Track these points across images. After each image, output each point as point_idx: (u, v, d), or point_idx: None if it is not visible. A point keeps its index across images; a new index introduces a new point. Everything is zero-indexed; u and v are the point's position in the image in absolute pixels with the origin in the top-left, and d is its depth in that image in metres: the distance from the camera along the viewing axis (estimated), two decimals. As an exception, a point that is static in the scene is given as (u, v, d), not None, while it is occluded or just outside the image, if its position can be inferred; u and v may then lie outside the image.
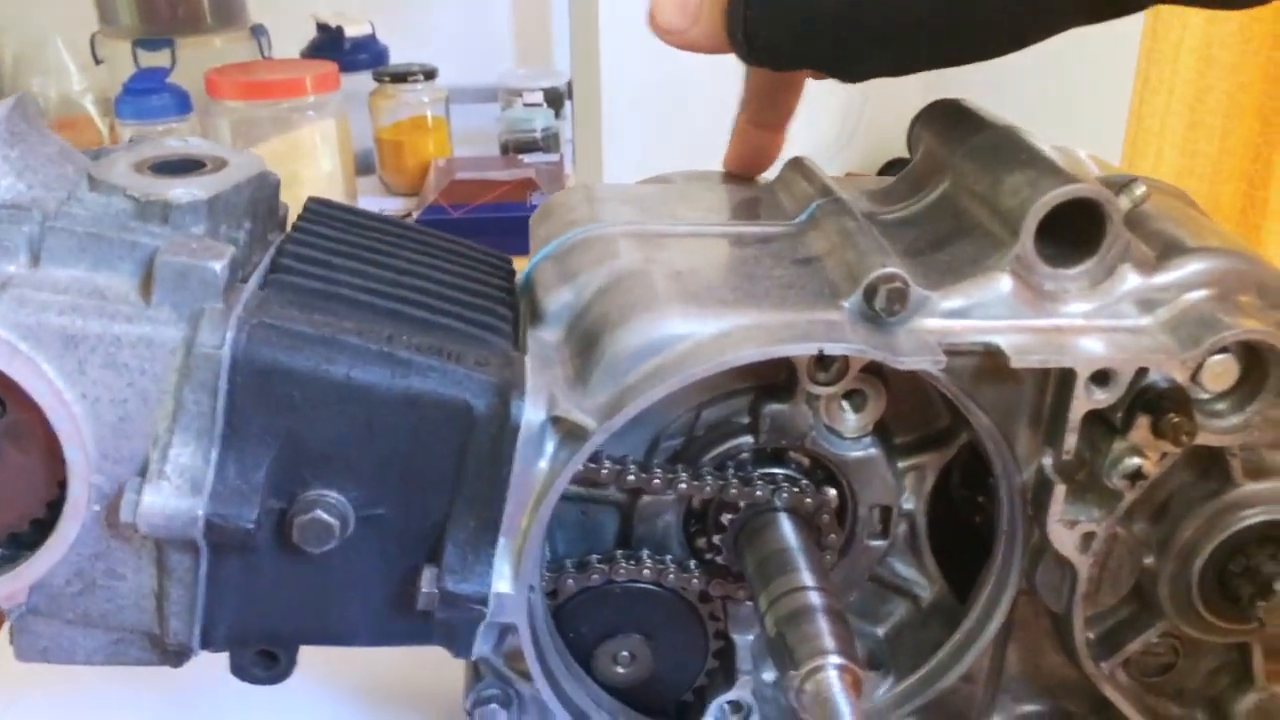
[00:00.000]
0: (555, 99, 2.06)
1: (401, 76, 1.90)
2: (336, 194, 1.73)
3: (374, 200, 1.88)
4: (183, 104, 1.71)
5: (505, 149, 1.95)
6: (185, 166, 0.53)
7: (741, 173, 0.66)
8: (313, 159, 1.72)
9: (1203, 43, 1.15)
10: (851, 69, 0.55)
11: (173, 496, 0.47)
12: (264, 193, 0.55)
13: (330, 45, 1.98)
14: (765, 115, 0.64)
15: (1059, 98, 1.20)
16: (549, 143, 1.95)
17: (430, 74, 1.92)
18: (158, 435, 0.48)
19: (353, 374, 0.49)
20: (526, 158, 1.88)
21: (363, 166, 1.90)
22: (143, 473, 0.48)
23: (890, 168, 2.42)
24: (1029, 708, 0.61)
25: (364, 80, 1.91)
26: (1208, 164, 1.19)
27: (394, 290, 0.53)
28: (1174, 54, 1.15)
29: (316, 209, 0.59)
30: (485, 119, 2.04)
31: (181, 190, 0.50)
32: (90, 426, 0.48)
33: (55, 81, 1.93)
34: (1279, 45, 1.11)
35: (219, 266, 0.48)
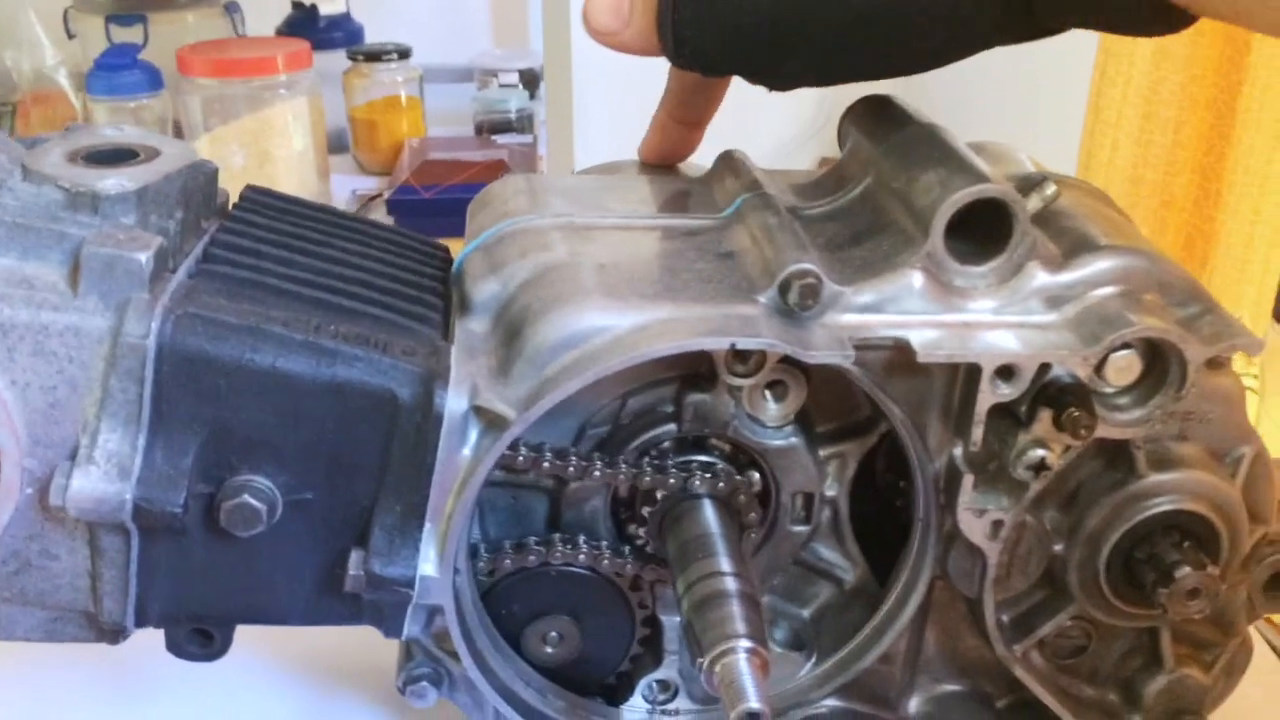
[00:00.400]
0: (531, 80, 2.07)
1: (376, 55, 1.90)
2: (309, 173, 1.73)
3: (347, 179, 1.88)
4: (154, 80, 1.71)
5: (479, 129, 1.95)
6: (118, 156, 0.54)
7: (655, 164, 0.68)
8: (284, 137, 1.72)
9: (1159, 34, 1.16)
10: (776, 78, 0.57)
11: (101, 481, 0.49)
12: (197, 182, 0.56)
13: (305, 23, 1.98)
14: (685, 112, 0.65)
15: (1018, 91, 1.21)
16: (523, 124, 1.96)
17: (405, 53, 1.92)
18: (87, 421, 0.49)
19: (278, 363, 0.50)
20: (500, 138, 1.89)
21: (336, 145, 1.91)
22: (73, 457, 0.49)
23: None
24: (947, 688, 0.63)
25: (338, 59, 1.92)
26: (1162, 155, 1.21)
27: (324, 279, 0.55)
28: (1130, 46, 1.16)
29: (252, 197, 0.60)
30: (460, 99, 2.04)
31: (112, 181, 0.51)
32: (21, 412, 0.49)
33: (28, 55, 1.93)
34: (1231, 39, 1.13)
35: (144, 257, 0.49)
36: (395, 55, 1.91)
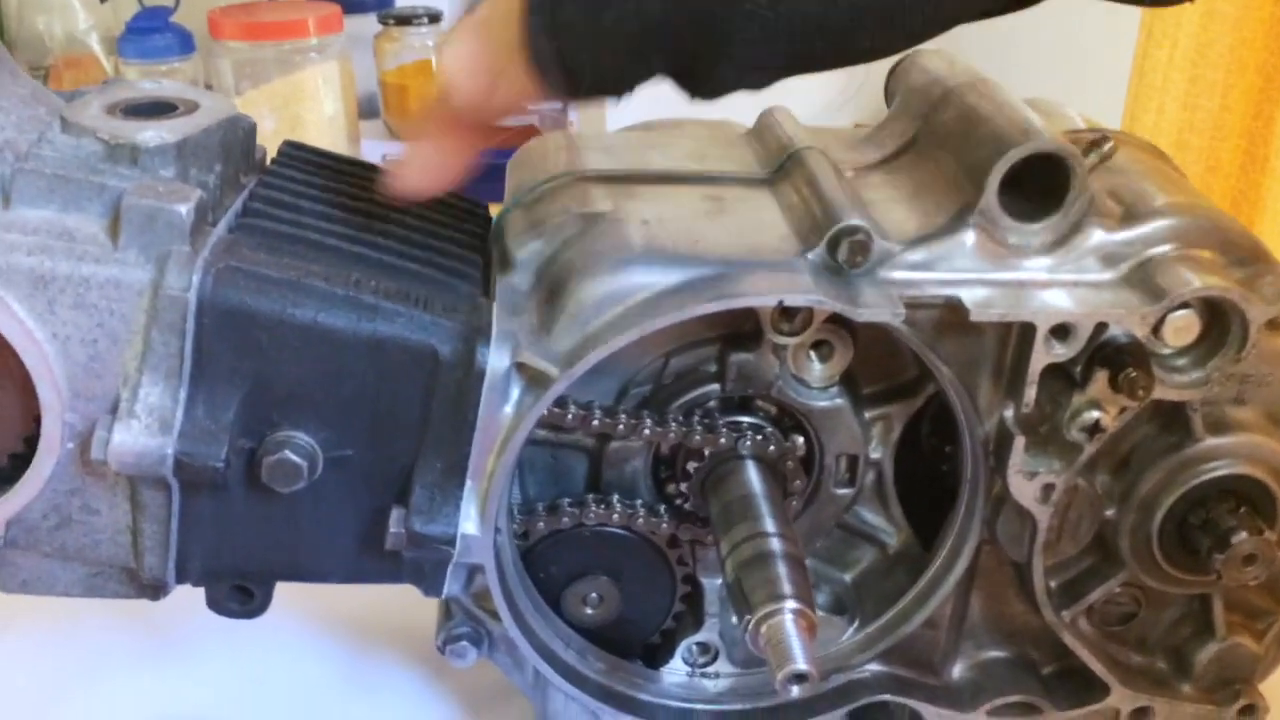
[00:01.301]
0: (561, 44, 2.04)
1: (406, 19, 1.88)
2: (339, 137, 1.72)
3: (377, 144, 1.87)
4: (185, 44, 1.70)
5: (510, 94, 1.94)
6: (157, 109, 0.54)
7: (412, 199, 0.53)
8: (315, 101, 1.71)
9: (1207, -5, 1.14)
10: (707, 82, 0.46)
11: (142, 435, 0.48)
12: (236, 136, 0.56)
13: (335, -14, 1.96)
14: (464, 143, 0.52)
15: (1063, 52, 1.19)
16: (554, 88, 1.94)
17: (435, 17, 1.90)
18: (128, 374, 0.49)
19: (319, 318, 0.49)
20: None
21: (367, 110, 1.90)
22: (114, 411, 0.49)
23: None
24: (991, 654, 0.62)
25: (369, 23, 1.90)
26: (1209, 119, 1.18)
27: (363, 235, 0.54)
28: (1177, 7, 1.12)
29: (290, 153, 0.60)
30: (490, 63, 2.02)
31: (151, 133, 0.51)
32: (62, 365, 0.48)
33: (60, 20, 1.93)
34: (1282, 0, 1.10)
35: (185, 209, 0.48)
36: (426, 19, 1.89)
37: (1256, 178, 1.16)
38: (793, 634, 0.48)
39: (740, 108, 0.73)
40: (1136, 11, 1.18)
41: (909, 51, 0.64)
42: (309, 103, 1.71)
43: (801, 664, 0.47)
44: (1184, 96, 1.19)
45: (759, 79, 0.46)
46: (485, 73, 0.47)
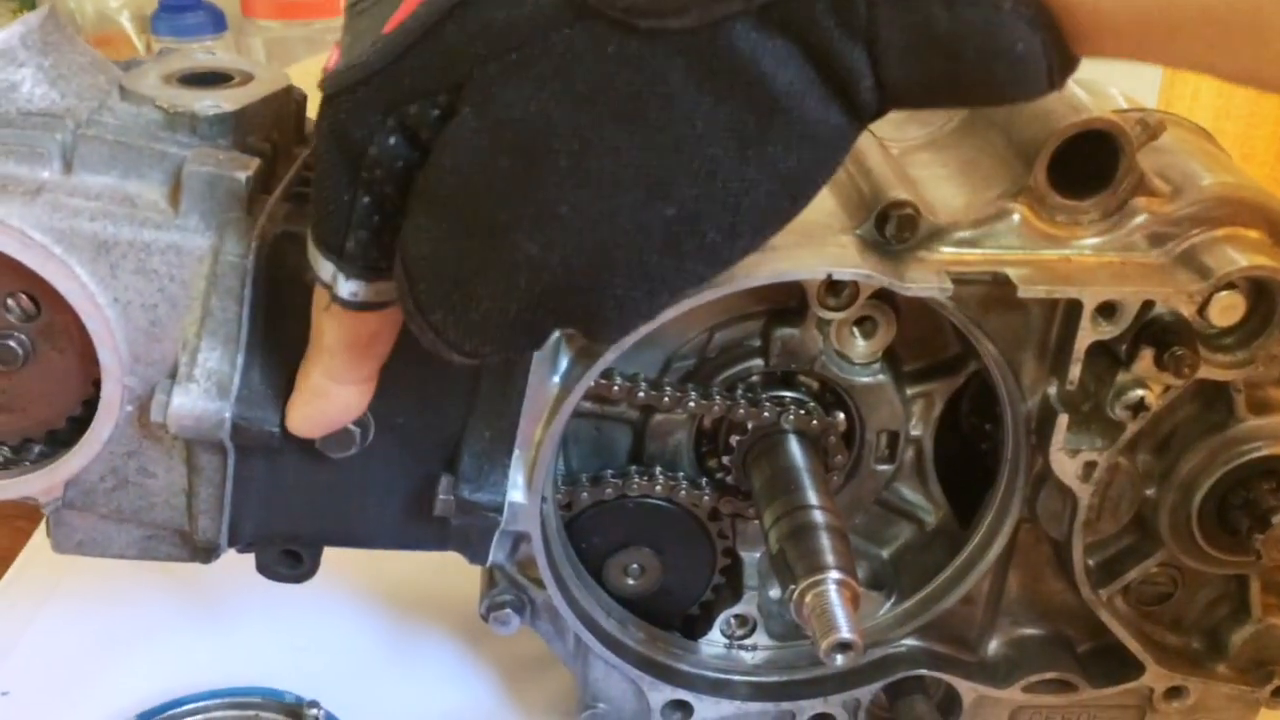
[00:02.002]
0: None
1: (435, -1, 1.89)
2: (369, 117, 1.73)
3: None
4: (218, 22, 1.71)
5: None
6: (213, 79, 0.54)
7: (318, 435, 0.50)
8: (345, 81, 1.72)
9: (1246, -21, 1.12)
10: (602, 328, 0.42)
11: (201, 399, 0.49)
12: (289, 108, 0.56)
13: (365, -34, 1.97)
14: (354, 371, 0.48)
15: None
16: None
17: (464, -3, 1.90)
18: (186, 339, 0.50)
19: None
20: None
21: (395, 90, 1.90)
22: (172, 375, 0.50)
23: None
24: (1027, 631, 0.62)
25: (398, 2, 1.90)
26: (1244, 106, 1.17)
27: None
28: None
29: (343, 125, 0.60)
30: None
31: (209, 102, 0.51)
32: (122, 329, 0.49)
33: (92, -2, 1.94)
34: (1322, -17, 1.08)
35: (244, 177, 0.49)
36: (456, -1, 1.90)
37: (1291, 165, 1.16)
38: (837, 603, 0.49)
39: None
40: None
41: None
42: (339, 81, 1.72)
43: (846, 633, 0.48)
44: (1219, 83, 1.19)
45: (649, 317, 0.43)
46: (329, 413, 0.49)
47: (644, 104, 0.36)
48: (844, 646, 0.48)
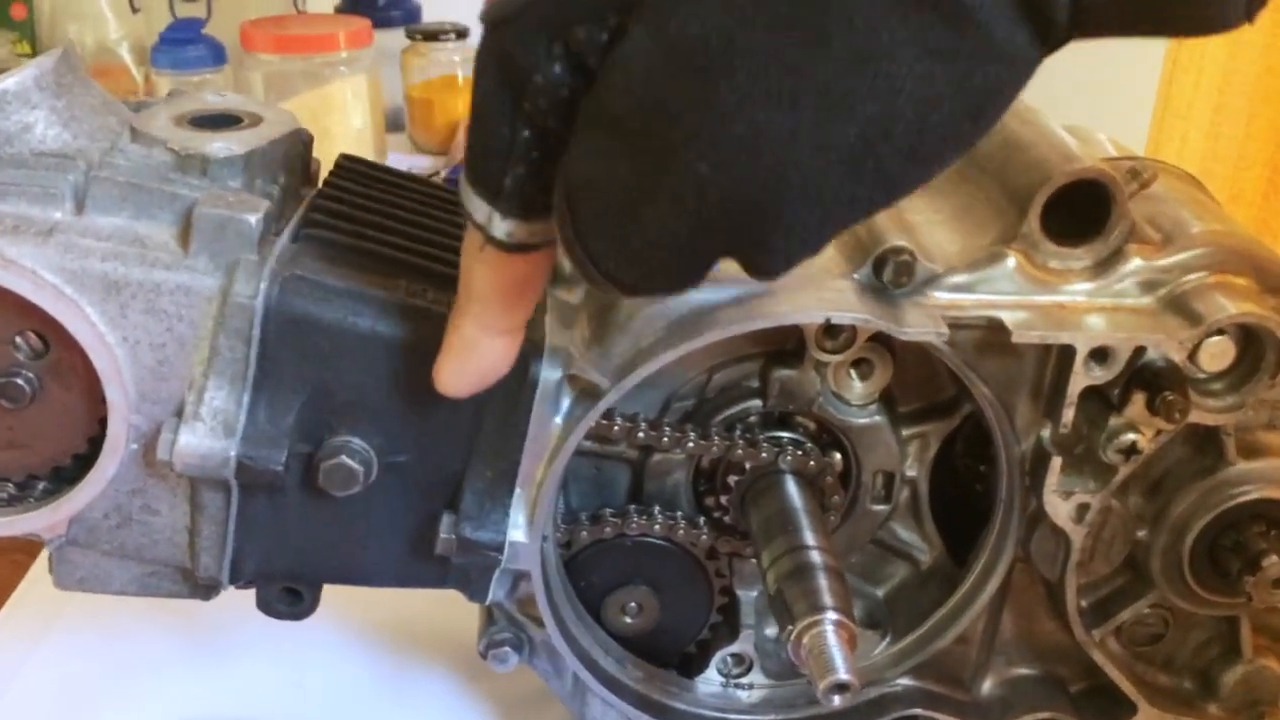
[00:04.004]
0: (585, 62, 2.06)
1: (434, 35, 1.91)
2: (366, 150, 1.74)
3: (403, 158, 1.89)
4: (218, 55, 1.72)
5: (534, 110, 1.95)
6: (223, 121, 0.55)
7: (467, 393, 0.50)
8: (344, 115, 1.73)
9: (1233, 25, 1.15)
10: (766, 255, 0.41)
11: (207, 437, 0.50)
12: (297, 149, 0.57)
13: (364, 1, 1.99)
14: (506, 319, 0.48)
15: (1088, 79, 1.21)
16: (577, 105, 1.96)
17: (462, 33, 1.92)
18: (194, 379, 0.50)
19: (378, 327, 0.51)
20: (554, 120, 1.89)
21: (392, 124, 1.92)
22: (179, 414, 0.50)
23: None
24: (1021, 671, 0.63)
25: (396, 37, 1.92)
26: (1232, 148, 1.19)
27: (419, 246, 0.55)
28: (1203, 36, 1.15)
29: (347, 166, 0.61)
30: (515, 80, 2.04)
31: (220, 145, 0.52)
32: (130, 368, 0.50)
33: (92, 29, 1.95)
34: (1308, 30, 1.12)
35: (254, 219, 0.50)
36: (453, 34, 1.92)
37: (1279, 206, 1.18)
38: (834, 644, 0.49)
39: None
40: (1162, 40, 1.20)
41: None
42: (337, 116, 1.74)
43: (843, 674, 0.48)
44: (1208, 125, 1.21)
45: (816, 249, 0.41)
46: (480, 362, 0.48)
47: (829, 17, 0.35)
48: (841, 687, 0.48)
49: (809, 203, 0.37)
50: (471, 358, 0.48)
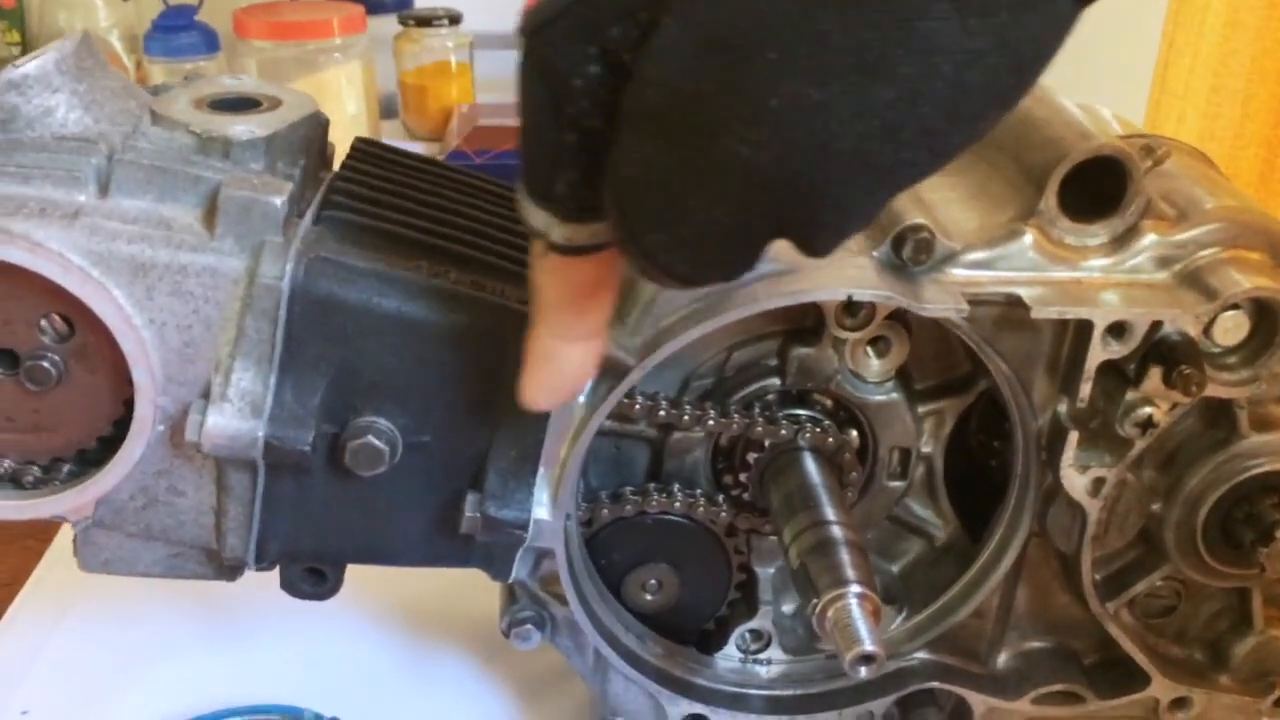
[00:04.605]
0: (579, 47, 2.06)
1: (426, 20, 1.90)
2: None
3: (397, 145, 1.89)
4: (211, 42, 1.72)
5: (528, 96, 1.95)
6: (243, 104, 0.55)
7: (553, 406, 0.51)
8: (338, 101, 1.72)
9: (1229, 6, 1.16)
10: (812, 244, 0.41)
11: (234, 418, 0.50)
12: (316, 132, 0.57)
13: (356, -13, 1.98)
14: (580, 325, 0.47)
15: (1084, 57, 1.21)
16: (572, 91, 1.96)
17: (455, 19, 1.92)
18: (220, 360, 0.51)
19: (403, 307, 0.51)
20: (549, 105, 1.89)
21: (386, 110, 1.91)
22: (205, 395, 0.51)
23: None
24: (1035, 644, 0.63)
25: (389, 23, 1.92)
26: (1229, 128, 1.20)
27: (438, 227, 0.56)
28: (1201, 15, 1.16)
29: (364, 149, 0.61)
30: (509, 65, 2.03)
31: (242, 128, 0.52)
32: (156, 350, 0.50)
33: (81, 16, 1.94)
34: (1305, 10, 1.13)
35: (279, 201, 0.50)
36: (446, 20, 1.91)
37: (1276, 186, 1.19)
38: (859, 616, 0.50)
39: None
40: (1159, 20, 1.21)
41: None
42: (332, 103, 1.73)
43: (869, 645, 0.49)
44: (1205, 105, 1.22)
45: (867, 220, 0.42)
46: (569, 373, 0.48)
47: None
48: (868, 659, 0.49)
49: (854, 172, 0.37)
50: (552, 369, 0.47)
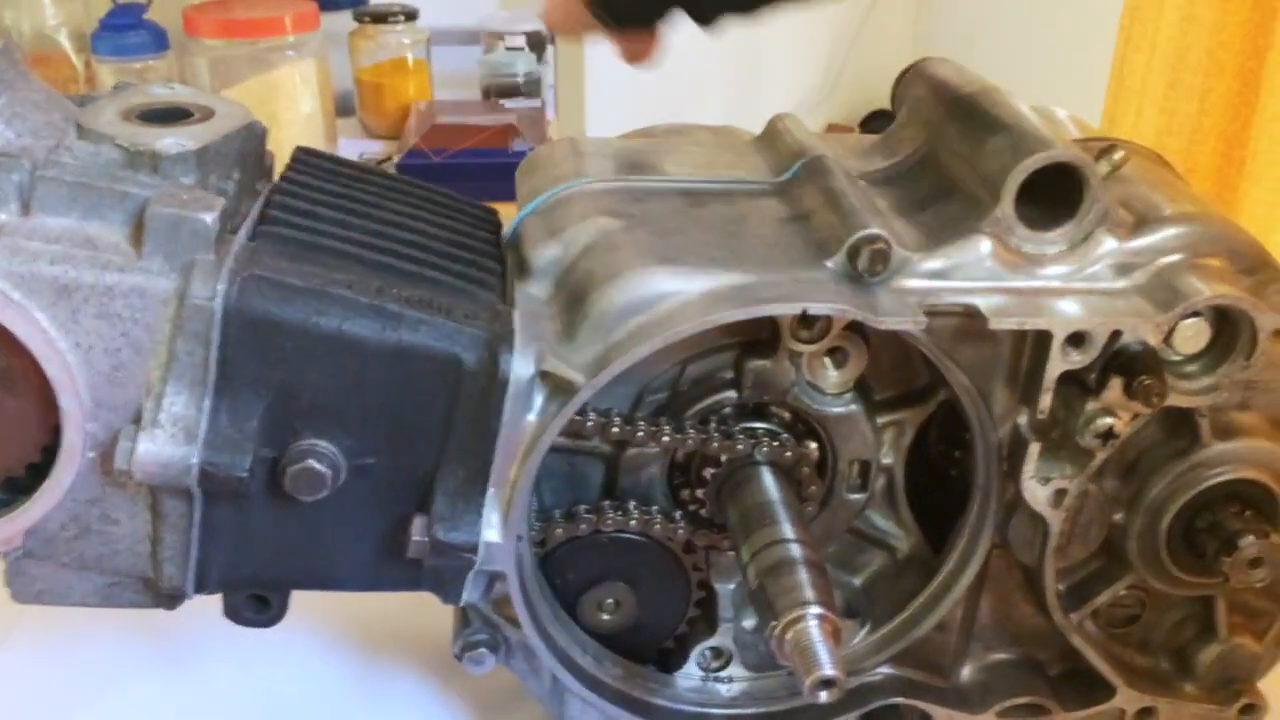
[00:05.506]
0: (538, 43, 2.04)
1: (382, 17, 1.88)
2: (316, 136, 1.71)
3: (354, 143, 1.86)
4: (160, 41, 1.68)
5: (487, 93, 1.93)
6: (173, 115, 0.53)
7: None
8: (292, 100, 1.69)
9: (1186, 0, 1.16)
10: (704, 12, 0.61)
11: (167, 444, 0.48)
12: (251, 143, 0.55)
13: (310, -17, 1.95)
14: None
15: (1042, 53, 1.21)
16: (531, 88, 1.93)
17: (411, 15, 1.89)
18: (151, 384, 0.48)
19: (344, 326, 0.49)
20: (508, 103, 1.87)
21: (342, 108, 1.88)
22: (137, 421, 0.49)
23: (873, 119, 2.41)
24: (999, 656, 0.63)
25: (344, 20, 1.89)
26: (1186, 123, 1.20)
27: (381, 242, 0.54)
28: (1157, 10, 1.15)
29: (304, 159, 0.59)
30: (466, 62, 2.01)
31: (171, 140, 0.50)
32: (84, 375, 0.48)
33: (28, 16, 1.89)
34: (1259, 5, 1.12)
35: (210, 218, 0.48)
36: (402, 17, 1.89)
37: (1233, 180, 1.19)
38: (818, 639, 0.49)
39: (743, 115, 0.73)
40: (1116, 13, 1.21)
41: (916, 61, 0.65)
42: (286, 101, 1.70)
43: (829, 669, 0.48)
44: (1162, 100, 1.22)
45: (748, 6, 0.61)
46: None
47: None
48: (827, 683, 0.48)
49: None
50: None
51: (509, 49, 2.04)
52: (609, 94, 1.88)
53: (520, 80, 1.96)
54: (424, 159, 1.64)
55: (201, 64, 1.65)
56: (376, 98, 1.91)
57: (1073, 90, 1.30)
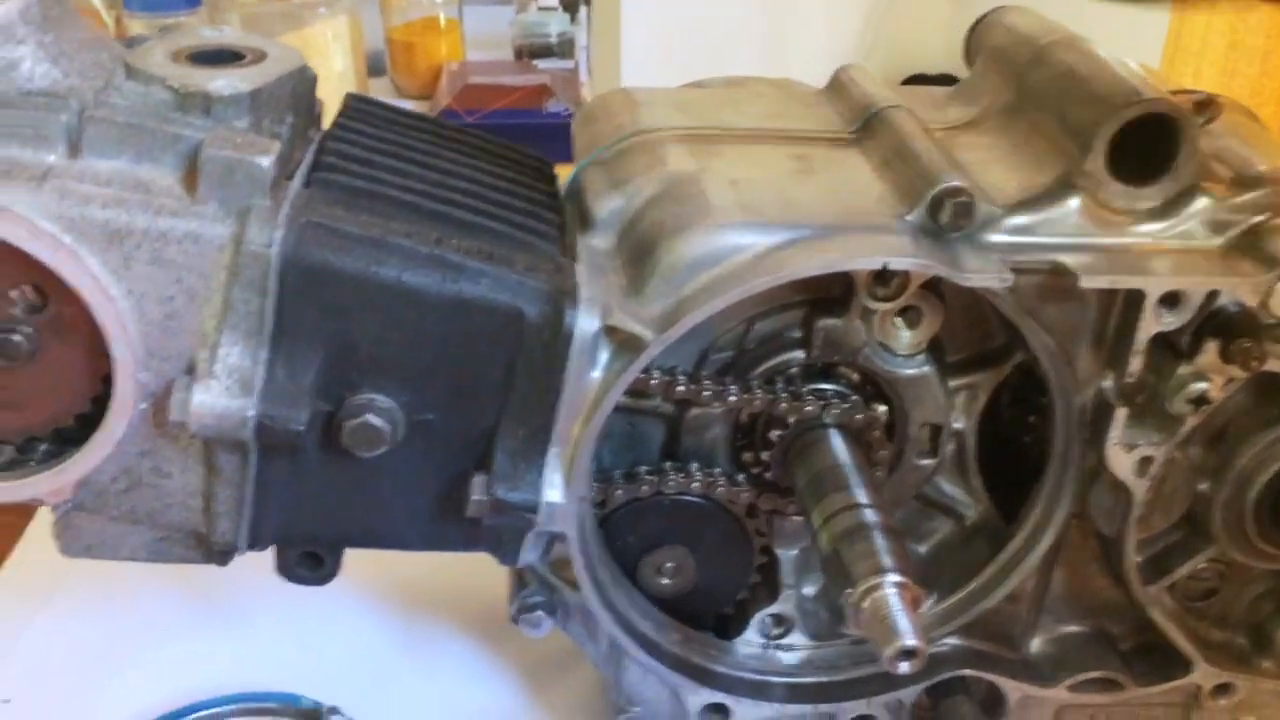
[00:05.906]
0: (571, 3, 2.01)
1: (414, -26, 1.85)
2: (349, 95, 1.69)
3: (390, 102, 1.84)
4: (192, -3, 1.66)
5: (519, 54, 1.90)
6: (224, 57, 0.51)
7: None
8: (324, 57, 1.67)
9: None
10: None
11: (222, 396, 0.46)
12: (304, 87, 0.53)
13: (342, -60, 1.92)
14: None
15: (1094, 13, 1.17)
16: (564, 48, 1.90)
17: (444, -28, 1.86)
18: (206, 334, 0.47)
19: (403, 277, 0.47)
20: (540, 63, 1.84)
21: (373, 68, 1.86)
22: (190, 371, 0.47)
23: (912, 83, 2.35)
24: (1071, 628, 0.60)
25: (376, -23, 1.86)
26: (1247, 85, 1.16)
27: (438, 191, 0.52)
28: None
29: (357, 106, 0.57)
30: (498, 22, 1.99)
31: (224, 82, 0.48)
32: (136, 323, 0.46)
33: (58, -29, 1.88)
34: (1329, -37, 1.08)
35: (266, 162, 0.46)
36: (434, -26, 1.86)
37: (1295, 146, 1.15)
38: (898, 607, 0.47)
39: (802, 69, 0.71)
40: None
41: (993, 8, 0.62)
42: (318, 59, 1.67)
43: (911, 639, 0.46)
44: (1222, 62, 1.18)
45: None
46: None
47: None
48: (909, 654, 0.46)
49: None
50: None
51: (541, 9, 2.02)
52: (644, 56, 1.84)
53: (553, 41, 1.93)
54: (456, 119, 1.61)
55: (233, 20, 1.63)
56: (408, 57, 1.88)
57: (1127, 52, 1.26)
